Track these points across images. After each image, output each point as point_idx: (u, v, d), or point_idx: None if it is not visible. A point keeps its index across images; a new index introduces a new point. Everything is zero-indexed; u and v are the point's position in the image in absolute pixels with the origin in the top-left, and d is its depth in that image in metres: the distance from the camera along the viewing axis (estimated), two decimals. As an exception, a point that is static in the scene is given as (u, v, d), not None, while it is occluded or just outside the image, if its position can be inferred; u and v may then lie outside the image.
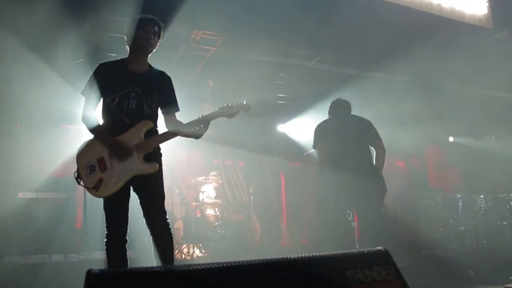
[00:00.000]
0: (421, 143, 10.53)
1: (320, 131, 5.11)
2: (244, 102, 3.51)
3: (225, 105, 3.47)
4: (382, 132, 8.38)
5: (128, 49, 3.45)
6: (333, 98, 8.26)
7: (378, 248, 1.50)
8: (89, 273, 1.17)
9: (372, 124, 5.10)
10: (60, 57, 5.89)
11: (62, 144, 6.98)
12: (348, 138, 4.91)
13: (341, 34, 6.28)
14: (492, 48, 7.13)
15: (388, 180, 9.60)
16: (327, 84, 7.79)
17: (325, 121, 5.27)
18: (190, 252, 7.23)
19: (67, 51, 5.78)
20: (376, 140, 5.00)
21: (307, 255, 1.43)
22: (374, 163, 4.92)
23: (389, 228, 8.52)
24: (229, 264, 1.35)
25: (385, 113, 8.91)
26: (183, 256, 7.19)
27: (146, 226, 3.30)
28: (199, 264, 1.31)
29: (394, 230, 8.60)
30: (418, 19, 6.77)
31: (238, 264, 1.37)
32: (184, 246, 7.37)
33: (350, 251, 1.49)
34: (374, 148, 4.97)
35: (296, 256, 1.40)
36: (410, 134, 9.05)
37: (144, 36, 3.34)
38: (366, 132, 5.03)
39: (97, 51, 5.77)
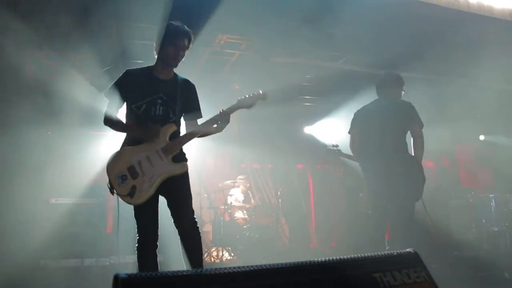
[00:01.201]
0: (451, 142, 10.33)
1: (355, 117, 5.07)
2: (261, 91, 3.57)
3: (243, 97, 3.54)
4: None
5: (156, 56, 3.50)
6: (360, 99, 8.23)
7: (408, 250, 1.48)
8: (117, 278, 1.18)
9: (411, 108, 4.76)
10: (88, 64, 6.00)
11: (91, 150, 7.12)
12: (374, 125, 4.71)
13: (366, 33, 6.22)
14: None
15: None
16: (354, 84, 7.71)
17: (364, 105, 5.12)
18: (219, 256, 7.25)
19: (95, 59, 5.88)
20: (413, 125, 4.67)
21: (334, 258, 1.42)
22: (410, 152, 4.67)
23: (420, 229, 8.39)
24: (258, 268, 1.35)
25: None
26: (212, 260, 7.22)
27: (175, 227, 3.35)
28: (228, 268, 1.31)
29: (425, 231, 8.44)
30: (444, 16, 6.67)
31: (266, 267, 1.37)
32: (213, 249, 7.39)
33: (379, 253, 1.47)
34: (412, 135, 4.69)
35: (323, 259, 1.39)
36: (440, 133, 8.89)
37: (173, 53, 3.40)
38: (400, 117, 4.70)
39: (123, 58, 5.85)
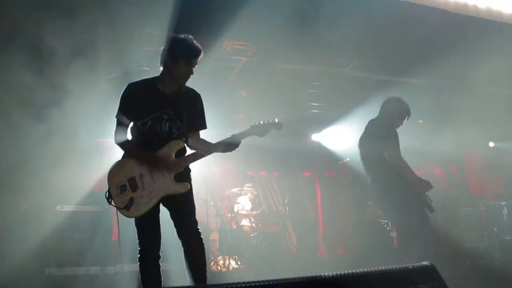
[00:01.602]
0: (460, 149, 10.21)
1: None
2: (276, 120, 3.48)
3: (257, 123, 3.45)
4: (419, 138, 8.21)
5: (161, 68, 3.36)
6: (368, 105, 8.15)
7: (424, 263, 1.40)
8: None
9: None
10: (94, 72, 5.96)
11: (97, 157, 7.08)
12: None
13: (374, 39, 6.16)
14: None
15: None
16: (362, 91, 7.65)
17: None
18: (226, 264, 7.17)
19: (100, 66, 5.85)
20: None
21: (349, 272, 1.35)
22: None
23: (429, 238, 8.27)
24: (270, 283, 1.28)
25: (422, 119, 8.71)
26: (219, 268, 7.14)
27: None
28: (236, 283, 1.24)
29: (435, 241, 8.32)
30: (453, 21, 6.61)
31: (278, 282, 1.30)
32: (220, 257, 7.32)
33: (394, 267, 1.39)
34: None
35: (338, 273, 1.32)
36: (448, 140, 8.79)
37: (187, 72, 3.29)
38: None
39: (129, 65, 5.80)
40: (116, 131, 3.32)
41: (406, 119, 5.24)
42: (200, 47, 3.32)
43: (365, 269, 1.34)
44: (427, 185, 4.75)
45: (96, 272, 6.24)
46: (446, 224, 7.86)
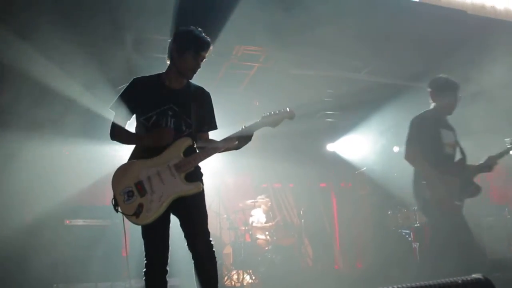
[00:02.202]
0: (478, 158, 9.90)
1: None
2: (288, 109, 3.22)
3: (268, 113, 3.20)
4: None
5: (168, 63, 3.22)
6: (384, 113, 7.94)
7: (476, 275, 1.17)
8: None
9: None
10: (102, 84, 5.85)
11: (106, 170, 6.94)
12: None
13: (389, 42, 5.97)
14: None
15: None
16: (378, 97, 7.43)
17: None
18: (240, 279, 6.96)
19: (109, 77, 5.74)
20: None
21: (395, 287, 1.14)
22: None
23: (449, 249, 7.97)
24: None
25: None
26: (233, 283, 6.95)
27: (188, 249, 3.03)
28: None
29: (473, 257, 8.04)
30: (470, 23, 6.40)
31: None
32: (234, 272, 7.12)
33: (443, 281, 1.17)
34: None
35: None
36: (466, 146, 8.52)
37: (194, 65, 3.12)
38: None
39: (133, 73, 5.67)
40: (112, 123, 3.12)
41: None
42: (208, 40, 3.15)
43: (412, 284, 1.12)
44: (454, 183, 4.18)
45: (105, 288, 6.08)
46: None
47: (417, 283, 1.13)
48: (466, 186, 4.30)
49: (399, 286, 1.12)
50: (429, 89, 4.52)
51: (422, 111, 4.48)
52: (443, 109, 4.43)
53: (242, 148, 3.22)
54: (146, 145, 3.05)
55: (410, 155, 4.27)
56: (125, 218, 2.96)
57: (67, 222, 6.33)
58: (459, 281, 1.13)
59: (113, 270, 6.14)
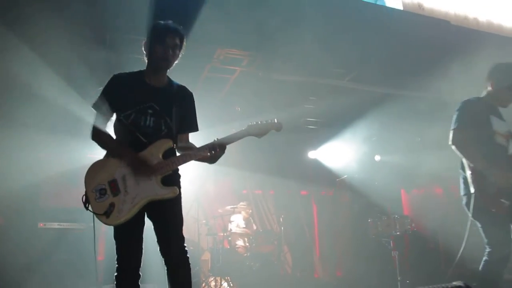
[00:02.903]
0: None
1: None
2: (275, 120, 3.18)
3: (254, 123, 3.14)
4: (421, 157, 7.98)
5: (146, 60, 3.14)
6: (366, 121, 7.94)
7: (457, 283, 1.12)
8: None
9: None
10: (85, 81, 5.74)
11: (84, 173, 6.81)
12: None
13: (372, 50, 5.97)
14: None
15: (425, 208, 9.13)
16: (360, 105, 7.42)
17: None
18: (218, 286, 6.89)
19: (91, 76, 5.63)
20: None
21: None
22: None
23: (430, 258, 7.99)
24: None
25: (424, 134, 8.50)
26: (211, 290, 6.84)
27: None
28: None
29: (436, 260, 8.06)
30: (453, 33, 6.46)
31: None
32: (211, 279, 7.02)
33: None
34: None
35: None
36: (450, 159, 8.58)
37: (162, 52, 3.02)
38: None
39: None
40: (94, 123, 3.01)
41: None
42: (174, 26, 3.09)
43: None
44: (505, 178, 3.60)
45: (80, 293, 5.93)
46: (449, 244, 7.60)
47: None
48: None
49: None
50: (489, 75, 4.05)
51: (473, 97, 4.06)
52: (498, 99, 3.99)
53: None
54: (127, 162, 2.92)
55: (457, 141, 3.78)
56: (101, 223, 2.85)
57: (41, 225, 6.17)
58: (442, 289, 1.07)
59: (87, 275, 5.98)
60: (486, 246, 3.67)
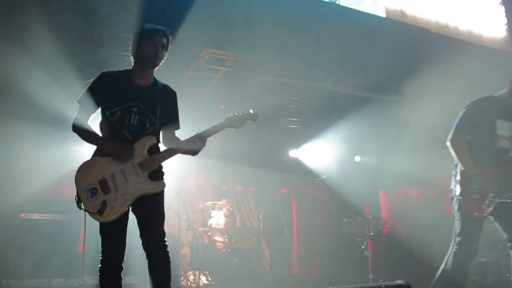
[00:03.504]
0: (437, 170, 10.19)
1: None
2: (251, 111, 3.40)
3: (231, 115, 3.35)
4: (400, 159, 8.16)
5: (133, 60, 3.26)
6: (347, 123, 8.10)
7: (399, 281, 1.27)
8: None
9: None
10: (69, 76, 5.78)
11: (68, 165, 6.85)
12: None
13: (355, 55, 6.12)
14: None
15: (402, 209, 9.33)
16: (341, 107, 7.59)
17: None
18: (196, 280, 6.98)
19: (76, 71, 5.67)
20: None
21: None
22: None
23: (404, 258, 8.19)
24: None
25: (402, 137, 8.67)
26: (189, 284, 6.95)
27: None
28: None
29: (409, 261, 8.26)
30: (434, 41, 6.63)
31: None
32: (190, 273, 7.12)
33: (368, 284, 1.25)
34: None
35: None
36: (427, 161, 8.79)
37: (152, 50, 3.16)
38: None
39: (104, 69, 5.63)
40: (76, 116, 3.13)
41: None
42: (162, 27, 3.25)
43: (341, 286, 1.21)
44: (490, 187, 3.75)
45: (58, 284, 6.00)
46: (422, 244, 7.82)
47: (352, 286, 1.22)
48: (507, 190, 3.78)
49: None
50: None
51: (489, 95, 4.07)
52: (510, 102, 3.98)
53: (204, 149, 3.28)
54: (106, 152, 3.07)
55: (454, 140, 3.88)
56: (82, 215, 2.98)
57: (22, 215, 6.22)
58: (383, 286, 1.22)
59: (67, 266, 6.07)
60: (457, 237, 3.84)
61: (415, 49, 6.37)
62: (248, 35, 5.28)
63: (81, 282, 5.96)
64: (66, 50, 5.29)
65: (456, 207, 3.86)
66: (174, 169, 7.10)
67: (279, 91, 7.07)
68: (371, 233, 6.86)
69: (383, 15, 6.40)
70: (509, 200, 3.76)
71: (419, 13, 6.93)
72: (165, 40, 3.22)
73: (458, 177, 3.86)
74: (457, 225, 3.86)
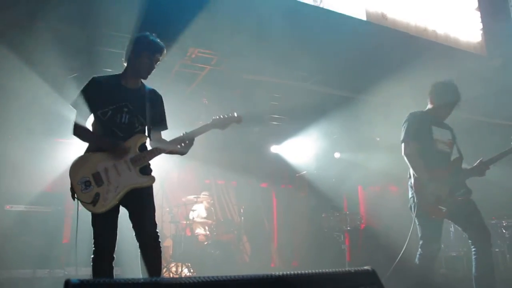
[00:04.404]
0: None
1: None
2: (235, 114, 3.58)
3: (217, 117, 3.53)
4: (378, 156, 8.39)
5: (125, 64, 3.45)
6: (327, 121, 8.30)
7: (365, 268, 1.46)
8: (67, 283, 1.11)
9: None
10: (53, 70, 5.85)
11: (53, 157, 6.93)
12: None
13: (337, 56, 6.30)
14: (486, 75, 7.17)
15: (380, 204, 9.58)
16: (322, 106, 7.78)
17: None
18: (178, 271, 7.12)
19: (61, 65, 5.74)
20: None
21: (292, 272, 1.40)
22: None
23: (381, 253, 8.44)
24: (214, 279, 1.31)
25: (380, 137, 8.92)
26: (171, 275, 7.07)
27: (135, 239, 3.26)
28: (187, 278, 1.26)
29: (386, 255, 8.49)
30: (413, 44, 6.84)
31: (226, 278, 1.33)
32: (173, 264, 7.26)
33: (336, 270, 1.45)
34: None
35: (281, 273, 1.37)
36: (402, 158, 9.03)
37: (148, 66, 3.39)
38: None
39: (91, 65, 5.72)
40: (75, 120, 3.30)
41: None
42: (162, 45, 3.43)
43: (308, 271, 1.39)
44: (442, 189, 4.06)
45: (43, 275, 6.07)
46: (398, 240, 8.06)
47: (318, 271, 1.40)
48: (457, 189, 4.14)
49: (298, 272, 1.37)
50: (430, 93, 4.47)
51: (416, 110, 4.45)
52: (436, 113, 4.40)
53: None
54: (104, 148, 3.25)
55: (407, 151, 4.18)
56: (67, 207, 3.15)
57: (8, 207, 6.28)
58: (352, 271, 1.41)
59: (52, 257, 6.15)
60: (420, 240, 4.14)
61: (394, 51, 6.57)
62: (232, 36, 5.43)
63: (66, 273, 6.08)
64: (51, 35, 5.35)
65: (414, 214, 4.14)
66: (157, 162, 7.20)
67: (262, 88, 7.23)
68: (349, 228, 7.10)
69: (364, 17, 6.59)
70: (460, 198, 4.13)
71: (399, 16, 7.13)
72: (161, 57, 3.44)
73: (414, 185, 4.15)
74: (418, 230, 4.16)
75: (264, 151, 10.02)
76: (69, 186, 3.16)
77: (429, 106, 4.45)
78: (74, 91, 3.43)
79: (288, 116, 8.86)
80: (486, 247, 4.04)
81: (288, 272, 1.39)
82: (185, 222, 7.78)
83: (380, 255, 8.31)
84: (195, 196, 8.20)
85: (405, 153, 4.21)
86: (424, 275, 4.13)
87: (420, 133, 4.22)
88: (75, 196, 3.13)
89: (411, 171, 4.20)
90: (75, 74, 6.03)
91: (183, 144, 3.38)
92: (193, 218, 7.94)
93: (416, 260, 4.17)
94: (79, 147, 3.44)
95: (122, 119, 3.31)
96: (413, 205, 4.17)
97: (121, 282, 1.14)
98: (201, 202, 8.31)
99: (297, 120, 8.78)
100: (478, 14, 8.06)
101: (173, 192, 8.78)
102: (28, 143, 7.06)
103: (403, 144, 4.25)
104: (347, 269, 1.44)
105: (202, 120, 8.02)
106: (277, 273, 1.35)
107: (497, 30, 8.03)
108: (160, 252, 3.29)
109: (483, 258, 4.01)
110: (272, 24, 5.21)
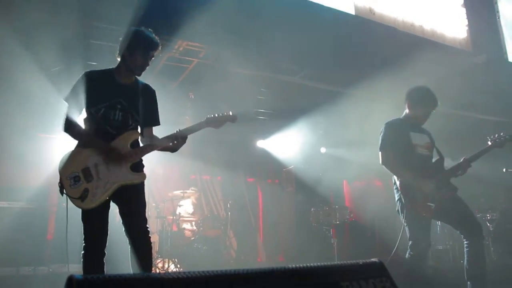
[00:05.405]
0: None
1: None
2: (231, 113, 3.52)
3: (212, 116, 3.47)
4: (364, 151, 8.41)
5: (119, 59, 3.37)
6: (315, 115, 8.30)
7: (373, 259, 1.44)
8: (71, 279, 1.07)
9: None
10: (37, 63, 5.72)
11: (36, 152, 6.80)
12: None
13: (325, 51, 6.29)
14: (469, 70, 7.26)
15: (365, 198, 9.62)
16: (309, 100, 7.77)
17: None
18: (165, 267, 7.07)
19: (45, 57, 5.62)
20: None
21: (302, 265, 1.37)
22: None
23: (367, 246, 8.50)
24: (214, 273, 1.28)
25: (367, 132, 8.93)
26: (158, 271, 7.01)
27: (124, 235, 3.20)
28: (185, 272, 1.23)
29: (372, 248, 8.57)
30: (401, 39, 6.88)
31: (222, 273, 1.30)
32: (159, 260, 7.20)
33: (345, 262, 1.43)
34: None
35: (290, 266, 1.33)
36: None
37: (143, 63, 3.31)
38: None
39: (77, 58, 5.60)
40: (66, 116, 3.22)
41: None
42: (158, 40, 3.36)
43: (318, 264, 1.37)
44: (427, 186, 4.09)
45: (27, 272, 5.98)
46: (384, 234, 8.13)
47: (328, 263, 1.37)
48: (442, 186, 4.19)
49: (311, 264, 1.34)
50: (407, 99, 4.47)
51: (393, 118, 4.49)
52: (414, 119, 4.42)
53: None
54: (101, 151, 3.16)
55: (385, 160, 4.22)
56: (51, 204, 3.08)
57: (-10, 204, 6.17)
58: (360, 263, 1.39)
59: (36, 254, 6.06)
60: (409, 241, 4.15)
61: (382, 46, 6.60)
62: (222, 28, 5.39)
63: (50, 270, 5.99)
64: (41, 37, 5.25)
65: (402, 216, 4.16)
66: (144, 158, 7.14)
67: (249, 82, 7.19)
68: (337, 222, 7.11)
69: (353, 12, 6.61)
70: (447, 194, 4.17)
71: (387, 12, 7.18)
72: (155, 53, 3.36)
73: (400, 187, 4.17)
74: (407, 231, 4.17)
75: (249, 145, 10.00)
76: (55, 182, 3.10)
77: (407, 111, 4.47)
78: (59, 84, 3.35)
79: (274, 110, 8.84)
80: (479, 240, 4.08)
81: (301, 265, 1.37)
82: (171, 218, 7.72)
83: (365, 248, 8.39)
84: (182, 191, 8.15)
85: (382, 162, 4.26)
86: (413, 270, 4.15)
87: (398, 140, 4.25)
88: (63, 191, 3.06)
89: (395, 177, 4.26)
90: (57, 68, 5.91)
91: (175, 142, 3.33)
92: (180, 214, 7.88)
93: (407, 259, 4.19)
94: (62, 143, 3.37)
95: (116, 116, 3.25)
96: (400, 207, 4.21)
97: (126, 277, 1.10)
98: (188, 197, 8.25)
99: (283, 114, 8.77)
100: (464, 10, 8.16)
101: (159, 188, 8.70)
102: (10, 138, 6.91)
103: (380, 153, 4.30)
104: (355, 261, 1.42)
105: (188, 115, 8.01)
106: (290, 266, 1.32)
107: (482, 26, 8.13)
108: (150, 248, 3.26)
109: (476, 251, 4.04)
110: (261, 17, 5.19)
